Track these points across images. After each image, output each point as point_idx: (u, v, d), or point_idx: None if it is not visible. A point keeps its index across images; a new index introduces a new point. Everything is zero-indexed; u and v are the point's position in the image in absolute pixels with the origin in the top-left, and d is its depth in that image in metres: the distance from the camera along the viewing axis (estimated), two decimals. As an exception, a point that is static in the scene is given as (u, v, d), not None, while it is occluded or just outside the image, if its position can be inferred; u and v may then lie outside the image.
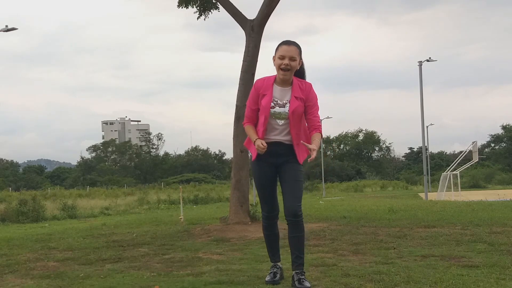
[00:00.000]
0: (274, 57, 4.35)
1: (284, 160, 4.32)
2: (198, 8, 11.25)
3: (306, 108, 4.30)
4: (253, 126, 4.41)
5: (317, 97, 4.37)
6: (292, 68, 4.29)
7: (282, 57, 4.27)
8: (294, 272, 4.30)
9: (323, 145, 53.93)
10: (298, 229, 4.30)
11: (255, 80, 4.62)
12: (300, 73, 4.42)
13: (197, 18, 11.34)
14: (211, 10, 11.33)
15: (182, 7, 11.17)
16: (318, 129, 4.26)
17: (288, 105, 4.28)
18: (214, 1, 11.16)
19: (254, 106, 4.40)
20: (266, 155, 4.31)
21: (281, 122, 4.29)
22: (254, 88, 4.44)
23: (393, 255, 5.66)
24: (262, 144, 4.19)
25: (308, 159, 4.18)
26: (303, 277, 4.26)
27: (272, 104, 4.29)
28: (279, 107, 4.29)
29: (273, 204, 4.51)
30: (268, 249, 4.64)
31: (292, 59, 4.27)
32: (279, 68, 4.30)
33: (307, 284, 4.20)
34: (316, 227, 8.78)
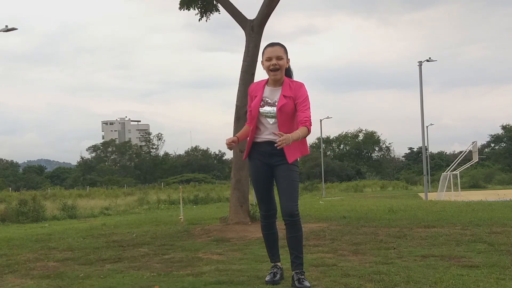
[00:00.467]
0: (262, 62, 4.44)
1: (278, 160, 4.33)
2: (199, 10, 11.25)
3: (296, 106, 4.32)
4: (249, 127, 4.48)
5: (308, 95, 4.36)
6: (281, 67, 4.35)
7: (269, 59, 4.35)
8: (293, 272, 4.31)
9: (323, 145, 53.86)
10: (295, 229, 4.31)
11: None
12: (287, 72, 4.47)
13: (199, 20, 11.36)
14: (212, 12, 11.34)
15: (183, 9, 11.17)
16: (305, 123, 4.21)
17: (276, 104, 4.33)
18: (214, 2, 11.16)
19: (250, 108, 4.49)
20: (259, 155, 4.39)
21: (271, 121, 4.34)
22: (248, 92, 4.56)
23: (393, 255, 5.66)
24: (227, 140, 4.31)
25: (275, 145, 4.04)
26: (302, 277, 4.26)
27: (261, 103, 4.36)
28: (269, 106, 4.35)
29: (270, 203, 4.53)
30: (268, 249, 4.65)
31: (278, 58, 4.34)
32: (268, 70, 4.38)
33: (307, 284, 4.20)
34: (316, 227, 8.78)
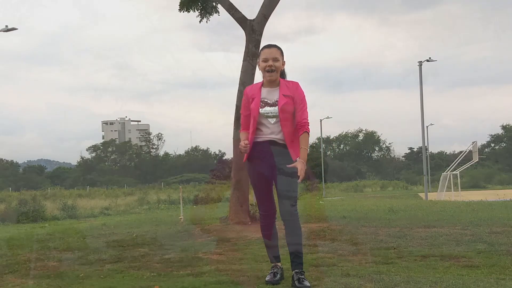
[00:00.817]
0: (258, 63, 4.49)
1: (278, 160, 4.34)
2: (199, 11, 11.24)
3: (294, 105, 4.34)
4: (247, 132, 4.49)
5: (304, 94, 4.41)
6: (277, 69, 4.40)
7: (265, 60, 4.41)
8: (293, 272, 4.31)
9: (323, 145, 53.85)
10: (294, 228, 4.32)
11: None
12: (281, 74, 4.51)
13: (200, 22, 11.36)
14: (212, 13, 11.33)
15: (183, 11, 11.16)
16: (305, 126, 4.29)
17: (277, 103, 4.35)
18: (214, 4, 11.15)
19: (246, 112, 4.52)
20: (260, 154, 4.38)
21: (272, 120, 4.37)
22: (244, 96, 4.59)
23: (393, 255, 5.65)
24: (243, 143, 4.32)
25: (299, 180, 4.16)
26: (302, 276, 4.26)
27: (261, 104, 4.39)
28: (269, 106, 4.38)
29: (269, 203, 4.54)
30: (267, 249, 4.65)
31: (275, 59, 4.39)
32: (264, 71, 4.42)
33: (307, 283, 4.20)
34: (316, 227, 8.78)
